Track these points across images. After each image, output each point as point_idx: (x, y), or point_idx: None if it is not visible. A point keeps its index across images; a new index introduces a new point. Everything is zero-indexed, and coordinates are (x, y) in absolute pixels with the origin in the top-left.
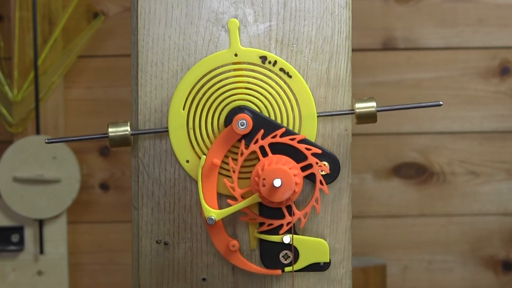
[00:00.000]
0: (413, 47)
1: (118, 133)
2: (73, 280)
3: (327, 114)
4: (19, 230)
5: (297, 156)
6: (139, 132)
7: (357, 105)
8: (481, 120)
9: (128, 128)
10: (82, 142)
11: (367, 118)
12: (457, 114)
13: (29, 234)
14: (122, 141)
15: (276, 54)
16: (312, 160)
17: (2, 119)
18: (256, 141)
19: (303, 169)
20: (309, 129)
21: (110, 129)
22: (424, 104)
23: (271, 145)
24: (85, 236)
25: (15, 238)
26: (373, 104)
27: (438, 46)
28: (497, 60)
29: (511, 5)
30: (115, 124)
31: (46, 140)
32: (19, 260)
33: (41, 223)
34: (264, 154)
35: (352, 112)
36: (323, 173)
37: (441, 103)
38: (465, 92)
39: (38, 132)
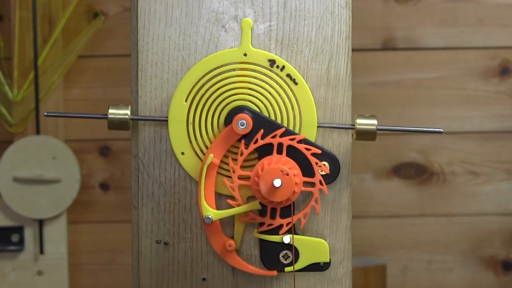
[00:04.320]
0: (413, 47)
1: (117, 116)
2: (73, 280)
3: (328, 126)
4: (19, 230)
5: (297, 156)
6: (139, 118)
7: (358, 121)
8: (481, 120)
9: (129, 112)
10: (82, 142)
11: (367, 135)
12: (457, 114)
13: (29, 234)
14: (121, 124)
15: (276, 54)
16: (311, 160)
17: (2, 119)
18: (256, 141)
19: (304, 171)
20: (308, 136)
21: (110, 111)
22: (425, 129)
23: (269, 145)
24: (85, 236)
25: (15, 238)
26: (374, 122)
27: (438, 46)
28: (497, 60)
29: (511, 5)
30: (116, 106)
31: (45, 113)
32: (19, 260)
33: (41, 223)
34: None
35: (352, 127)
36: (323, 173)
37: (442, 130)
38: (465, 92)
39: (38, 132)
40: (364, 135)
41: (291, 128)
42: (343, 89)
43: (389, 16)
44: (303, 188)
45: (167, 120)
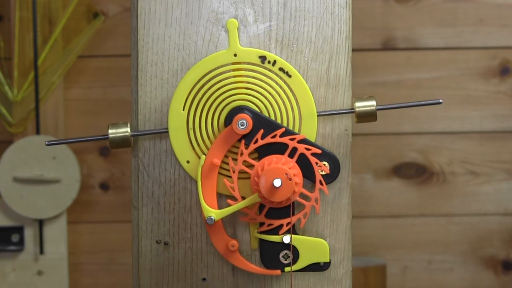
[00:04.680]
0: (413, 47)
1: (118, 135)
2: (73, 280)
3: (327, 113)
4: (19, 230)
5: (297, 157)
6: (139, 133)
7: (357, 104)
8: (481, 120)
9: (128, 129)
10: (82, 142)
11: (367, 116)
12: (457, 114)
13: (29, 234)
14: (123, 142)
15: (276, 54)
16: (312, 160)
17: (2, 119)
18: (256, 141)
19: (303, 169)
20: (309, 128)
21: (110, 131)
22: (424, 102)
23: (270, 145)
24: (85, 236)
25: (15, 238)
26: (373, 102)
27: (438, 46)
28: (497, 60)
29: (511, 5)
30: (115, 125)
31: (46, 142)
32: (19, 260)
33: (41, 223)
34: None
35: (352, 111)
36: (323, 173)
37: (441, 101)
38: (465, 92)
39: (38, 132)
40: (364, 117)
41: (291, 120)
42: (343, 89)
43: (389, 16)
44: (302, 190)
45: (167, 131)
